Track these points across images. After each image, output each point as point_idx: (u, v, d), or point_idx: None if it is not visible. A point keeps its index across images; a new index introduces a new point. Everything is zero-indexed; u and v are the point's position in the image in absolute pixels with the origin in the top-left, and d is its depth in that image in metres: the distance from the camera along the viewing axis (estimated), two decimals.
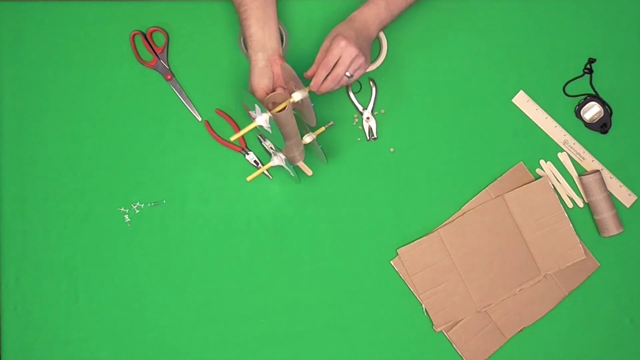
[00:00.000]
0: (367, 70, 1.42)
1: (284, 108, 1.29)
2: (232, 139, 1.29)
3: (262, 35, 1.31)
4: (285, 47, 1.44)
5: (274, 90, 1.32)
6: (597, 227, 1.46)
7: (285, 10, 1.47)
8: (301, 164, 1.39)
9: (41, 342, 1.44)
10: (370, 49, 1.33)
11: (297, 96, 1.29)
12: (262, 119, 1.28)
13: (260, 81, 1.31)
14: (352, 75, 1.29)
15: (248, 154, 1.45)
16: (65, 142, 1.46)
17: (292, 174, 1.38)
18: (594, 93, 1.48)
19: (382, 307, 1.45)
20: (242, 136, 1.45)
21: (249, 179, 1.35)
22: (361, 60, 1.28)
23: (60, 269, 1.45)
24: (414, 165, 1.46)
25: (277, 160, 1.37)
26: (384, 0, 1.32)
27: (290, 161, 1.38)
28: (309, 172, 1.39)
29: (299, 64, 1.43)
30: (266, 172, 1.45)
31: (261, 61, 1.31)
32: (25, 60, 1.47)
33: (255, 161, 1.45)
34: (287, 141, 1.34)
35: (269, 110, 1.29)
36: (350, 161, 1.46)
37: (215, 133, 1.46)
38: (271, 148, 1.38)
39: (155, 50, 1.46)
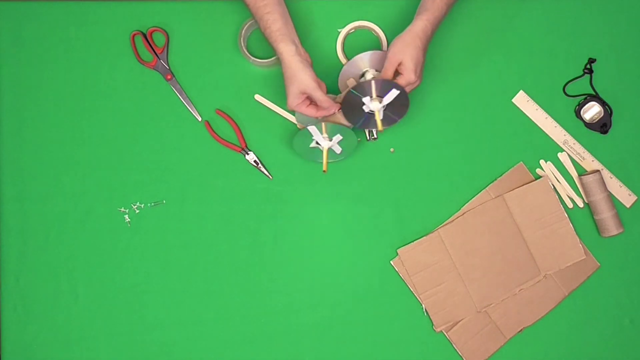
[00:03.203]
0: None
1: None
2: (325, 169, 1.35)
3: (287, 29, 1.32)
4: None
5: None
6: (597, 227, 1.46)
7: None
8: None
9: (41, 342, 1.44)
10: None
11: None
12: (326, 143, 1.36)
13: (308, 70, 1.31)
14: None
15: (248, 154, 1.45)
16: (65, 142, 1.46)
17: (356, 138, 1.41)
18: (594, 93, 1.48)
19: (382, 307, 1.45)
20: (243, 137, 1.45)
21: (325, 168, 1.36)
22: None
23: (60, 269, 1.45)
24: (414, 165, 1.46)
25: (335, 140, 1.38)
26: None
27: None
28: (380, 127, 1.35)
29: None
30: (266, 172, 1.45)
31: (297, 50, 1.32)
32: (25, 60, 1.47)
33: (255, 161, 1.45)
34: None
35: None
36: (350, 161, 1.46)
37: (215, 133, 1.46)
38: (323, 139, 1.38)
39: (155, 50, 1.46)
